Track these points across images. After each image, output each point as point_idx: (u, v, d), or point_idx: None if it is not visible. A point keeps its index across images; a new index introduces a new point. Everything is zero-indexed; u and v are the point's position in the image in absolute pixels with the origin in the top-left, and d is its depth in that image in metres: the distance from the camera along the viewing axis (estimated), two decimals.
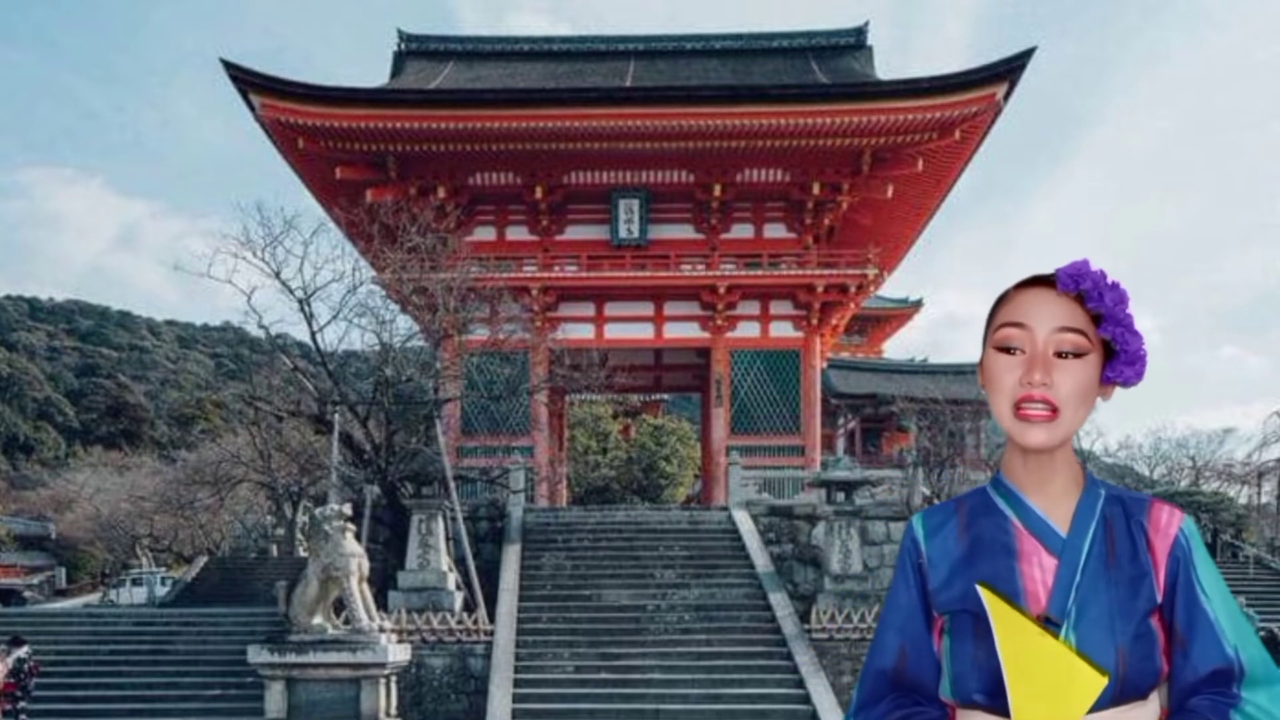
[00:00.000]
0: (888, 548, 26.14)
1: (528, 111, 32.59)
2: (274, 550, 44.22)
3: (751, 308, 35.55)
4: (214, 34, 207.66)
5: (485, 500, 28.33)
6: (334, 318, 26.93)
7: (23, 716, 18.93)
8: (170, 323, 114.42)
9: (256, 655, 17.43)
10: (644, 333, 36.17)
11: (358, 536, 18.88)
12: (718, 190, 35.25)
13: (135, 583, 43.44)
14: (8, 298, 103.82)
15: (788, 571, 25.73)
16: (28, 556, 57.57)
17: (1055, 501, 1.85)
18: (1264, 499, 42.22)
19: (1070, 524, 1.83)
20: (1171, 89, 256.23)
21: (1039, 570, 1.82)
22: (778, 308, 35.61)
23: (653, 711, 19.26)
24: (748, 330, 35.63)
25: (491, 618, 22.00)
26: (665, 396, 58.56)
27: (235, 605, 28.45)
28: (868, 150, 33.84)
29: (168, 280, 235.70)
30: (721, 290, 34.63)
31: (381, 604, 20.11)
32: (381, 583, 21.92)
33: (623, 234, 35.57)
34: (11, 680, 18.73)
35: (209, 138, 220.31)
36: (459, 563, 23.34)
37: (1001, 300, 1.85)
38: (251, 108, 32.61)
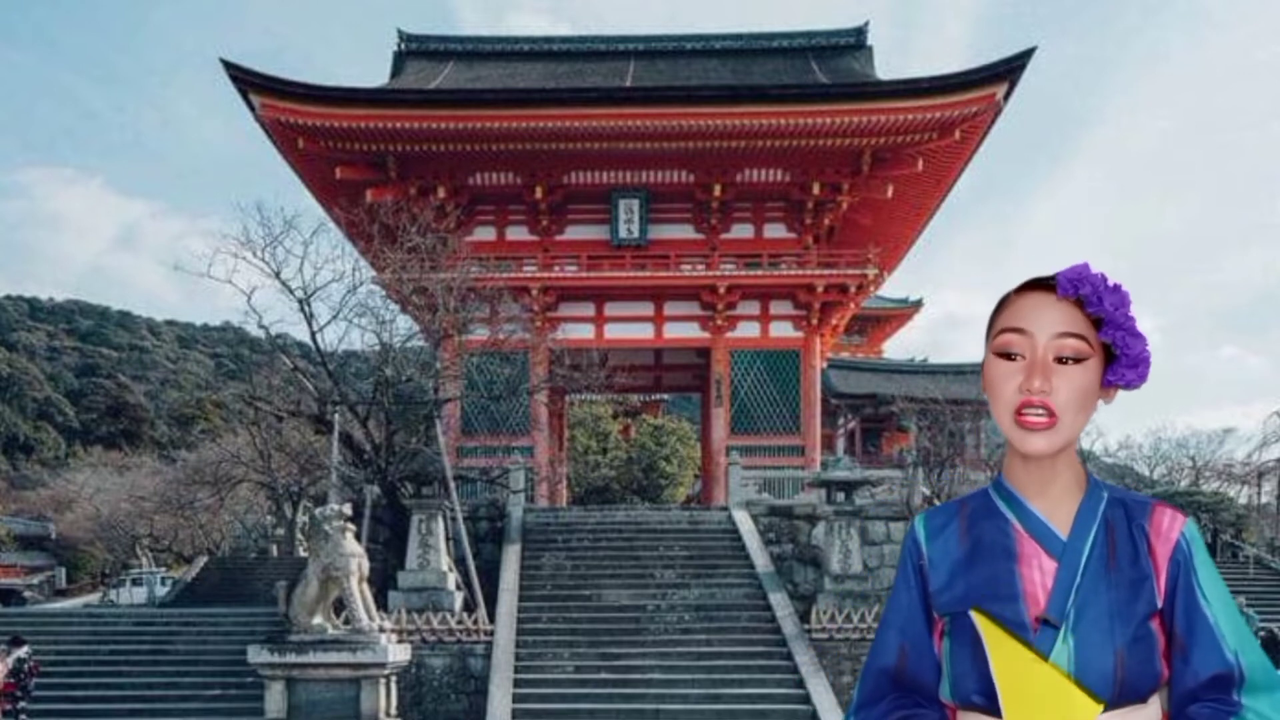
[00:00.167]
0: (888, 548, 26.15)
1: (528, 111, 32.59)
2: (274, 550, 44.22)
3: (751, 308, 35.55)
4: (214, 34, 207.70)
5: (485, 500, 28.33)
6: (334, 318, 26.96)
7: (23, 716, 18.93)
8: (170, 323, 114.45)
9: (256, 655, 17.44)
10: (644, 333, 36.17)
11: (358, 536, 18.88)
12: (718, 190, 35.25)
13: (135, 583, 43.44)
14: (8, 298, 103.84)
15: (788, 571, 25.73)
16: (28, 556, 57.58)
17: (1057, 504, 1.85)
18: (1264, 499, 42.22)
19: (1071, 527, 1.83)
20: (1171, 89, 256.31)
21: (1039, 573, 1.82)
22: (778, 308, 35.61)
23: (653, 711, 19.26)
24: (748, 330, 35.63)
25: (491, 618, 22.00)
26: (665, 396, 58.56)
27: (235, 605, 28.45)
28: (868, 150, 33.85)
29: (168, 280, 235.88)
30: (721, 290, 34.63)
31: (381, 604, 20.11)
32: (381, 583, 21.92)
33: (623, 234, 35.58)
34: (11, 680, 18.73)
35: (209, 138, 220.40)
36: (459, 563, 23.34)
37: (1002, 305, 1.85)
38: (251, 108, 32.61)
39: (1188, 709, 1.76)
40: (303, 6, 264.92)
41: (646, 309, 35.78)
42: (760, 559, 24.81)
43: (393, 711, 18.01)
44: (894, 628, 1.94)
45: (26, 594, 50.05)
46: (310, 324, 26.36)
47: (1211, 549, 33.71)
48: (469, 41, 39.49)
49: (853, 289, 34.73)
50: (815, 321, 35.41)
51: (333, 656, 17.20)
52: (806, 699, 19.30)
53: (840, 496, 24.44)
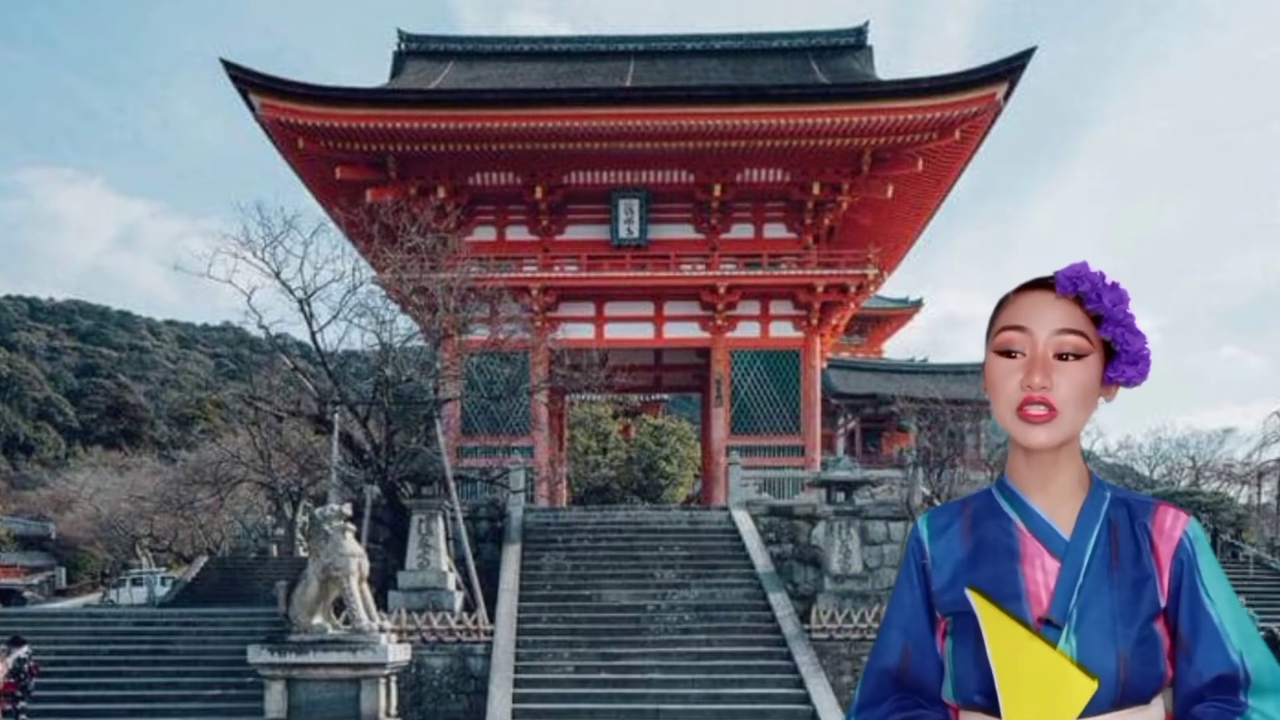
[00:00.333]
0: (888, 548, 26.15)
1: (528, 111, 32.59)
2: (274, 550, 44.22)
3: (751, 308, 35.55)
4: (214, 34, 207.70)
5: (485, 500, 28.33)
6: (334, 318, 26.97)
7: (23, 716, 18.92)
8: (170, 323, 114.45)
9: (256, 655, 17.44)
10: (644, 333, 36.17)
11: (358, 536, 18.88)
12: (718, 190, 35.25)
13: (135, 583, 43.45)
14: (8, 298, 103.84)
15: (788, 571, 25.73)
16: (28, 556, 57.57)
17: (1059, 504, 1.85)
18: (1264, 499, 42.22)
19: (1074, 527, 1.83)
20: (1171, 89, 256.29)
21: (1041, 573, 1.81)
22: (778, 308, 35.61)
23: (653, 711, 19.26)
24: (748, 330, 35.63)
25: (491, 618, 22.00)
26: (665, 396, 58.56)
27: (235, 605, 28.44)
28: (868, 150, 33.85)
29: (168, 280, 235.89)
30: (721, 290, 34.63)
31: (381, 604, 20.12)
32: (381, 583, 21.92)
33: (623, 234, 35.58)
34: (11, 680, 18.73)
35: (209, 138, 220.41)
36: (459, 563, 23.34)
37: (1002, 304, 1.86)
38: (251, 108, 32.61)
39: (1193, 709, 1.76)
40: (303, 6, 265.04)
41: (646, 309, 35.78)
42: (760, 559, 24.81)
43: (393, 711, 18.01)
44: (897, 627, 1.94)
45: (26, 594, 50.05)
46: (310, 324, 26.39)
47: (1212, 549, 33.54)
48: (469, 41, 39.49)
49: (853, 289, 34.73)
50: (815, 321, 35.41)
51: (333, 656, 17.20)
52: (806, 699, 19.30)
53: (840, 496, 24.44)
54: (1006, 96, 32.23)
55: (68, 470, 63.68)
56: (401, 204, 28.17)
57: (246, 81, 32.45)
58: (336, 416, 25.29)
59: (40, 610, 35.76)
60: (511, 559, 24.68)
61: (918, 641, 1.91)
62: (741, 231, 36.58)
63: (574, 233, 36.35)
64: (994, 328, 1.85)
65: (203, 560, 40.59)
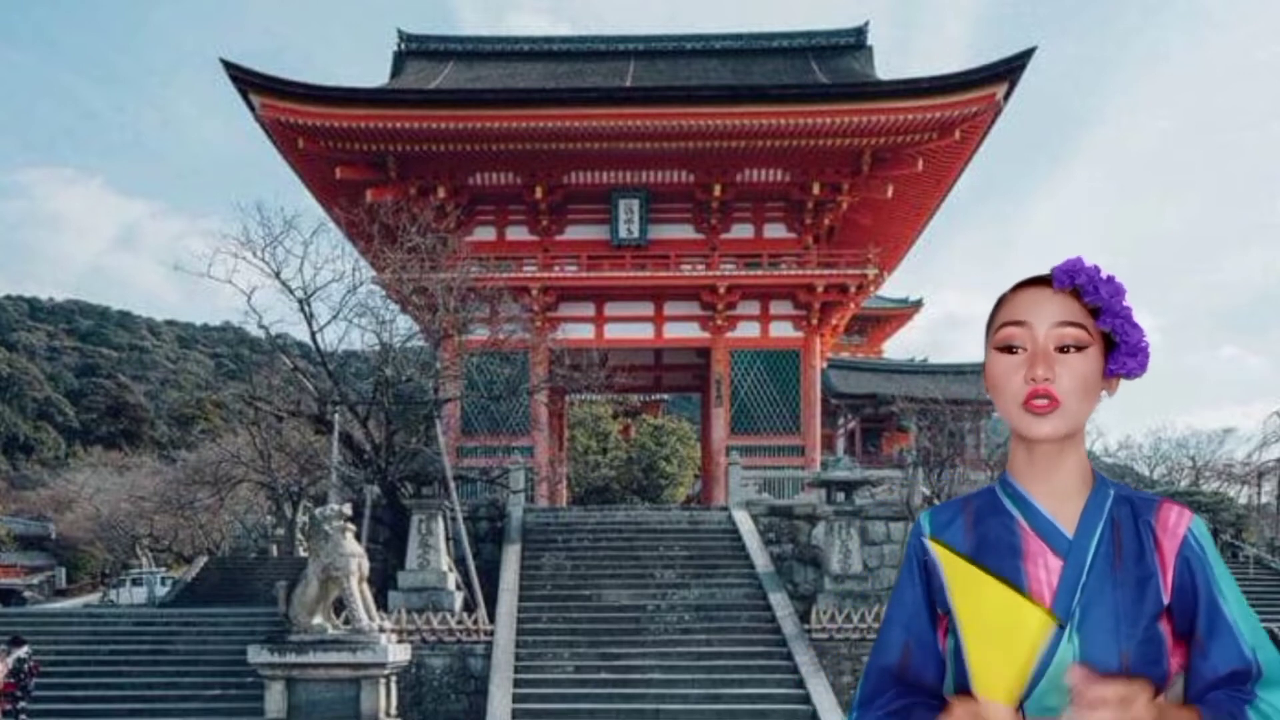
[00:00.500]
0: (888, 548, 26.15)
1: (528, 111, 32.59)
2: (274, 550, 44.21)
3: (751, 308, 35.55)
4: (214, 34, 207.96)
5: (485, 500, 28.33)
6: (334, 318, 26.98)
7: (23, 716, 18.92)
8: (170, 323, 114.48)
9: (256, 655, 17.44)
10: (644, 333, 36.17)
11: (358, 536, 18.88)
12: (718, 190, 35.25)
13: (135, 583, 43.46)
14: (8, 298, 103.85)
15: (788, 571, 25.73)
16: (28, 556, 57.58)
17: (1063, 501, 1.85)
18: (1264, 499, 42.23)
19: (1077, 524, 1.83)
20: (1171, 89, 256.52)
21: (1044, 571, 1.81)
22: (778, 308, 35.61)
23: (653, 711, 19.26)
24: (748, 330, 35.63)
25: (491, 618, 21.99)
26: (665, 396, 58.56)
27: (235, 605, 28.44)
28: (868, 150, 33.85)
29: (168, 280, 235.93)
30: (721, 290, 34.63)
31: (381, 604, 20.12)
32: (381, 583, 21.92)
33: (623, 234, 35.58)
34: (11, 680, 18.72)
35: (209, 138, 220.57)
36: (459, 563, 23.34)
37: (1000, 302, 1.87)
38: (251, 108, 32.61)
39: (1206, 695, 1.77)
40: (303, 6, 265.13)
41: (646, 309, 35.78)
42: (760, 559, 24.81)
43: (393, 711, 18.01)
44: (898, 624, 1.93)
45: (26, 594, 50.06)
46: (310, 324, 26.40)
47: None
48: (469, 41, 39.49)
49: (853, 289, 34.73)
50: (815, 321, 35.41)
51: (333, 656, 17.19)
52: (806, 699, 19.29)
53: (840, 496, 24.44)
54: (1006, 96, 32.23)
55: (68, 470, 63.69)
56: (401, 204, 28.17)
57: (246, 81, 32.45)
58: (336, 416, 25.29)
59: (40, 610, 35.75)
60: (511, 559, 24.68)
61: (919, 639, 1.90)
62: (741, 231, 36.58)
63: (574, 233, 36.35)
64: (993, 325, 1.85)
65: (203, 560, 40.59)
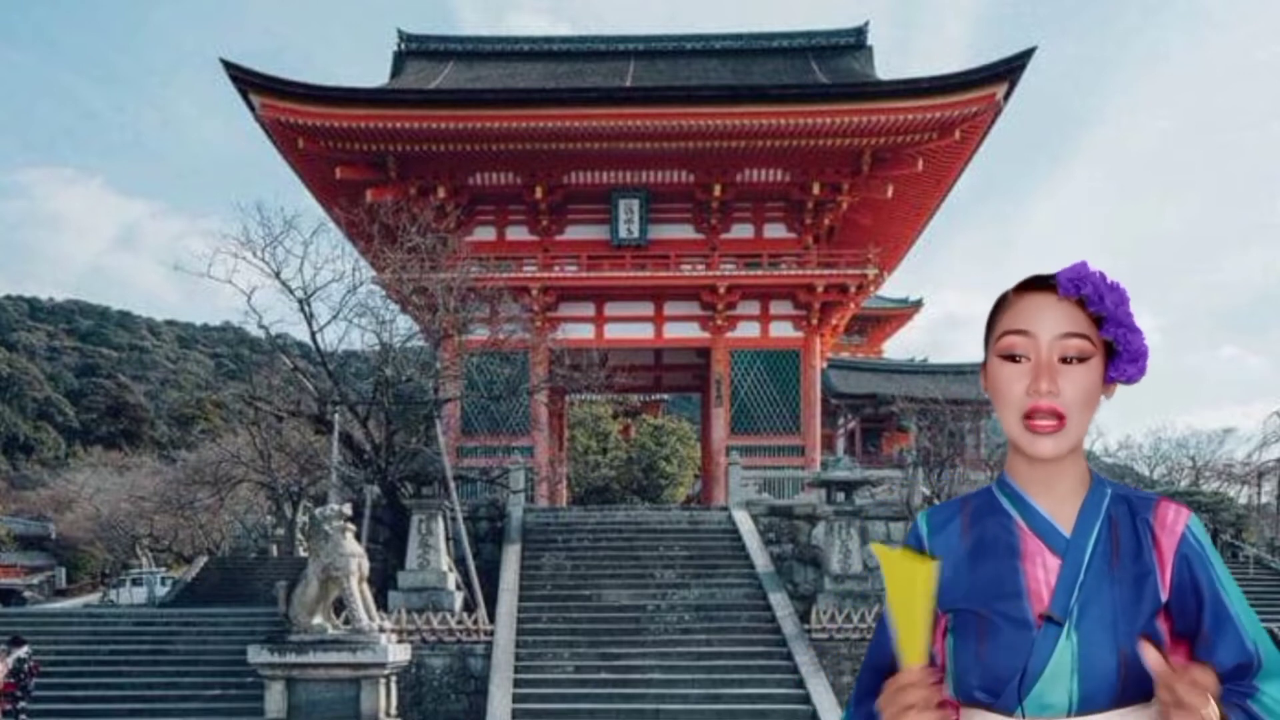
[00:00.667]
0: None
1: (528, 111, 32.59)
2: (274, 550, 44.22)
3: (751, 308, 35.55)
4: (214, 34, 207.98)
5: (485, 500, 28.33)
6: (334, 318, 26.99)
7: (23, 716, 18.92)
8: (170, 323, 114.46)
9: (256, 655, 17.44)
10: (644, 333, 36.17)
11: (358, 536, 18.88)
12: (718, 190, 35.26)
13: (135, 583, 43.45)
14: (8, 298, 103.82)
15: (788, 571, 25.72)
16: (28, 556, 57.57)
17: (1060, 502, 1.85)
18: (1264, 499, 42.22)
19: (1074, 524, 1.83)
20: (1171, 89, 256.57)
21: (1042, 570, 1.81)
22: (778, 308, 35.62)
23: (653, 711, 19.26)
24: (748, 330, 35.63)
25: (491, 618, 22.00)
26: (665, 396, 58.55)
27: (235, 605, 28.45)
28: (868, 150, 33.85)
29: (168, 280, 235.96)
30: (721, 290, 34.63)
31: (381, 604, 20.12)
32: (381, 583, 21.92)
33: (623, 234, 35.58)
34: (11, 680, 18.73)
35: (209, 138, 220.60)
36: (459, 563, 23.34)
37: (1002, 304, 1.84)
38: (251, 108, 32.61)
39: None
40: (303, 6, 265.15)
41: (646, 309, 35.78)
42: (760, 559, 24.81)
43: (393, 711, 18.01)
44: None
45: (26, 594, 50.05)
46: (310, 324, 26.41)
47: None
48: (469, 41, 39.49)
49: (853, 289, 34.73)
50: (815, 321, 35.41)
51: (333, 656, 17.20)
52: (806, 699, 19.30)
53: (840, 496, 24.44)
54: (1006, 96, 32.23)
55: (68, 470, 63.67)
56: (401, 204, 28.17)
57: (246, 81, 32.45)
58: (336, 416, 25.29)
59: (40, 610, 35.75)
60: (511, 559, 24.68)
61: None
62: (741, 231, 36.58)
63: (574, 233, 36.35)
64: (995, 330, 1.83)
65: (203, 560, 40.58)
